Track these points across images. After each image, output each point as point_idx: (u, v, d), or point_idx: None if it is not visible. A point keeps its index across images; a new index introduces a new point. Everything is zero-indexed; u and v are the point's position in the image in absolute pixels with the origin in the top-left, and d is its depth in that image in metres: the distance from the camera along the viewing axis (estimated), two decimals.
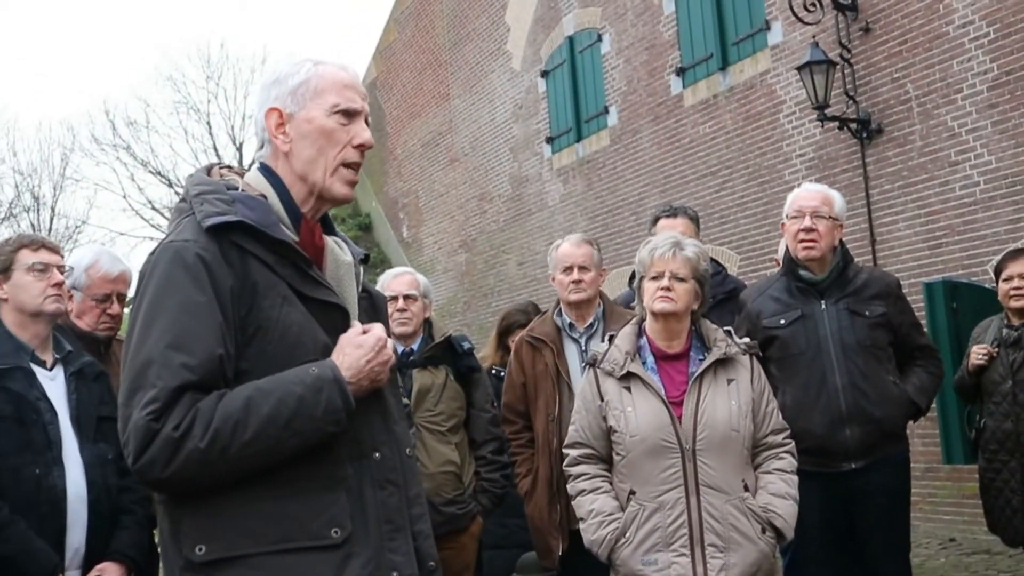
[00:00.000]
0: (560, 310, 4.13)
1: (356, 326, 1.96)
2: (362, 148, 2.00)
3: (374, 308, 2.14)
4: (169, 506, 1.84)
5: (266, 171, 2.01)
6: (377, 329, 1.95)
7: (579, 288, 4.01)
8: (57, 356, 3.19)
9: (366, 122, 2.02)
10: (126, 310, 3.14)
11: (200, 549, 1.79)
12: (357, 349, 1.90)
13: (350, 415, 1.86)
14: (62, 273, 3.23)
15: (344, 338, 1.93)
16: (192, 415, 1.74)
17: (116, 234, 28.11)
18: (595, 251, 4.11)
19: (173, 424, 1.73)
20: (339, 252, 2.06)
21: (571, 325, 4.08)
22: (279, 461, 1.81)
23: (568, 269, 4.04)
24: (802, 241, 3.96)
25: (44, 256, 3.19)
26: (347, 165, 1.99)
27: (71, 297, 3.55)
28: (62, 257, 3.27)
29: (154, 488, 1.84)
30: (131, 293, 3.56)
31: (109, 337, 3.59)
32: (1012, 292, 4.50)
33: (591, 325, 4.03)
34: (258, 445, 1.76)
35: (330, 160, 1.97)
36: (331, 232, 2.09)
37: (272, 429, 1.77)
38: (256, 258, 1.88)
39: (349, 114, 1.98)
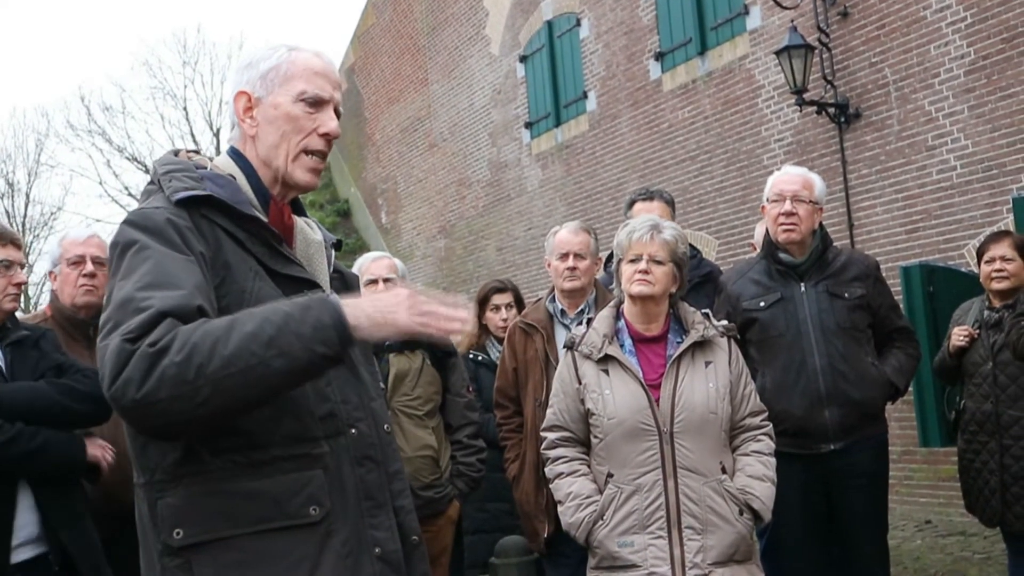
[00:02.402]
0: (553, 296, 4.15)
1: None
2: (327, 137, 1.98)
3: (346, 288, 2.12)
4: (147, 489, 1.82)
5: (235, 154, 2.01)
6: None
7: (573, 276, 4.03)
8: None
9: (337, 112, 2.00)
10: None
11: (178, 533, 1.77)
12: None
13: (345, 343, 1.74)
14: (22, 269, 3.18)
15: None
16: (172, 335, 1.64)
17: (92, 220, 27.80)
18: (592, 240, 4.13)
19: (150, 341, 1.63)
20: (309, 231, 2.06)
21: (563, 312, 4.10)
22: (268, 391, 1.70)
23: (564, 256, 4.05)
24: (782, 224, 3.96)
25: (10, 253, 3.15)
26: (310, 152, 1.98)
27: (54, 277, 3.54)
28: (26, 256, 3.21)
29: (129, 417, 1.68)
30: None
31: (95, 309, 3.48)
32: (994, 274, 4.50)
33: (582, 312, 4.03)
34: (239, 363, 1.64)
35: (292, 146, 1.96)
36: (301, 213, 2.09)
37: (254, 346, 1.65)
38: (227, 233, 1.86)
39: (316, 102, 1.96)
